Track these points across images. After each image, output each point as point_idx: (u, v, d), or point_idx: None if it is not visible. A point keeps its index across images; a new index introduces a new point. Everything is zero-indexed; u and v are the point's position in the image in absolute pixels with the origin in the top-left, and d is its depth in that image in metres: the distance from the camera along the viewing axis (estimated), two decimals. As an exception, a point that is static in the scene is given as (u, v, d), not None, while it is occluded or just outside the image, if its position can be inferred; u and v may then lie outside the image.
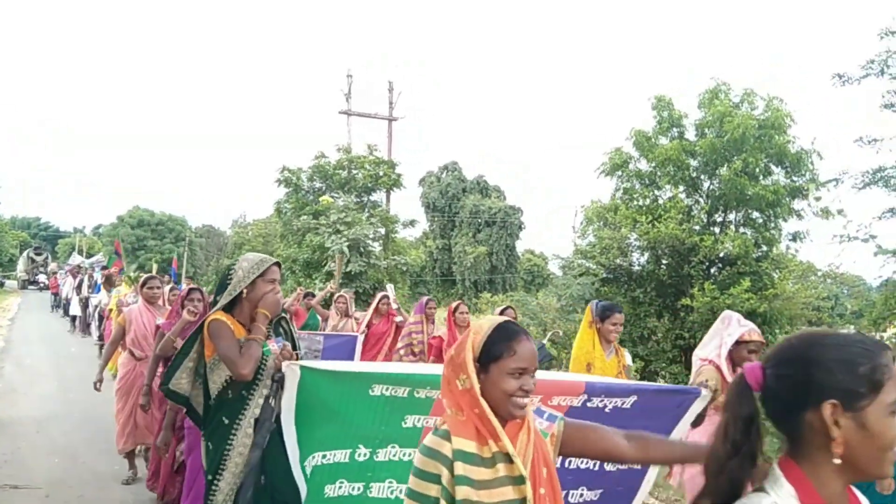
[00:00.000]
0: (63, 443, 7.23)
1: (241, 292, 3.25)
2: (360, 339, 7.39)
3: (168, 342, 4.82)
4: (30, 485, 5.79)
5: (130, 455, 6.12)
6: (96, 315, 14.13)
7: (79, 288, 18.20)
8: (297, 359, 3.13)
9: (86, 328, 16.91)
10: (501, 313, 6.22)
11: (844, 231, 11.10)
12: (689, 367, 13.36)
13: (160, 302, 6.35)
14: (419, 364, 6.71)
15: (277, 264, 3.37)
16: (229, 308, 3.31)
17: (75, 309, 18.40)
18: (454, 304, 7.40)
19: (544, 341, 7.95)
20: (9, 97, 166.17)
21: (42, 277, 43.84)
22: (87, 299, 16.68)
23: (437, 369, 2.58)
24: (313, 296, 10.15)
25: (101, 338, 13.11)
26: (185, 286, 15.93)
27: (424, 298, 7.83)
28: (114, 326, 8.18)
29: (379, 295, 8.30)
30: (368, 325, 7.90)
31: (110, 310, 10.21)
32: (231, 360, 3.07)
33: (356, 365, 4.96)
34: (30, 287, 42.39)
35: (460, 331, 7.24)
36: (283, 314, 3.49)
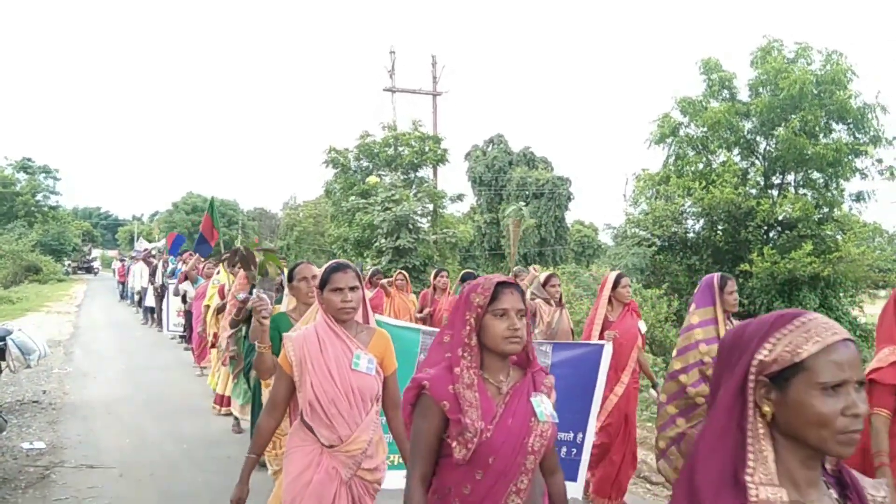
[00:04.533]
0: (132, 424, 7.49)
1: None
2: (609, 348, 4.70)
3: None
4: (104, 464, 6.01)
5: None
6: (179, 308, 12.35)
7: (153, 276, 15.90)
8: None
9: (162, 321, 14.42)
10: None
11: (912, 190, 10.42)
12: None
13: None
14: None
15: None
16: None
17: (151, 299, 16.48)
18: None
19: None
20: (64, 90, 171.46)
21: (96, 264, 50.05)
22: (162, 288, 14.27)
23: None
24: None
25: (186, 339, 11.63)
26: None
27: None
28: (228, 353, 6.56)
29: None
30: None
31: (206, 306, 8.58)
32: None
33: None
34: (79, 272, 46.73)
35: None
36: None
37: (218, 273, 8.90)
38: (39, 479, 5.58)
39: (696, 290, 4.34)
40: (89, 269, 48.32)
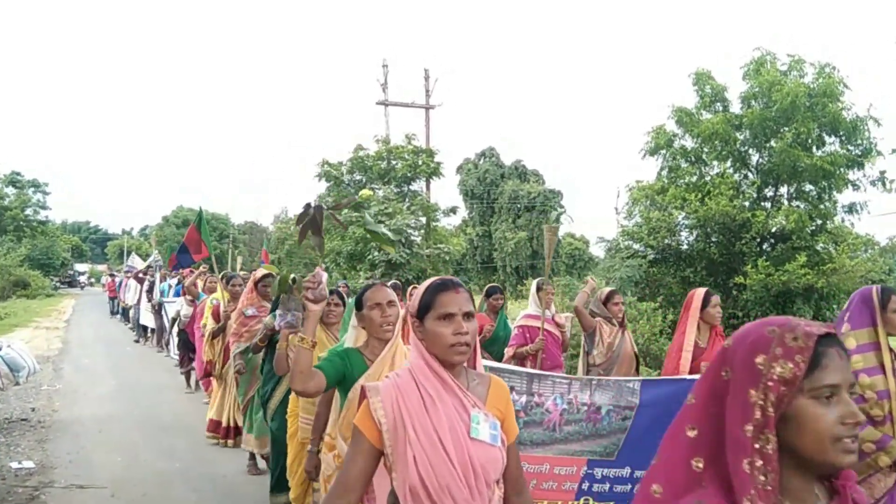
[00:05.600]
0: (124, 442, 7.34)
1: None
2: None
3: None
4: (95, 484, 5.87)
5: None
6: (175, 328, 11.43)
7: (150, 292, 14.86)
8: None
9: (165, 342, 13.80)
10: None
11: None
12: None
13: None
14: None
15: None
16: None
17: (147, 318, 15.46)
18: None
19: None
20: (54, 104, 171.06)
21: (83, 278, 52.27)
22: (160, 306, 13.47)
23: None
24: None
25: (183, 361, 10.47)
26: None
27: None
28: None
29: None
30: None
31: (204, 325, 7.67)
32: None
33: None
34: (62, 286, 47.73)
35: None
36: None
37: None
38: (29, 500, 5.44)
39: (848, 306, 3.46)
40: (72, 284, 49.12)
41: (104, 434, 7.70)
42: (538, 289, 5.93)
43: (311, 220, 2.58)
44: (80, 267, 62.32)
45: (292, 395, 4.42)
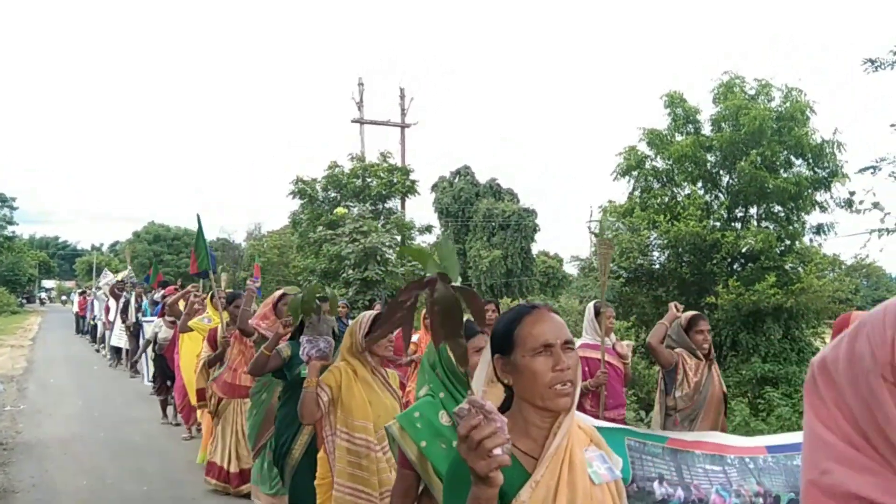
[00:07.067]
0: (90, 464, 7.18)
1: None
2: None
3: None
4: (59, 509, 5.74)
5: None
6: (149, 351, 10.28)
7: (124, 312, 13.80)
8: None
9: (135, 365, 13.14)
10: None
11: (882, 224, 9.80)
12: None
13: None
14: None
15: None
16: None
17: (119, 339, 14.58)
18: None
19: None
20: (23, 114, 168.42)
21: (44, 294, 53.57)
22: (136, 325, 12.56)
23: None
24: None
25: (160, 389, 9.49)
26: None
27: None
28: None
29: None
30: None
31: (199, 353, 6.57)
32: None
33: None
34: (23, 301, 47.97)
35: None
36: None
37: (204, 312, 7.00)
38: (-11, 526, 5.29)
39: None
40: (30, 300, 49.05)
41: (69, 456, 7.52)
42: (596, 313, 4.82)
43: (442, 315, 1.17)
44: (47, 283, 61.30)
45: (321, 455, 3.32)
